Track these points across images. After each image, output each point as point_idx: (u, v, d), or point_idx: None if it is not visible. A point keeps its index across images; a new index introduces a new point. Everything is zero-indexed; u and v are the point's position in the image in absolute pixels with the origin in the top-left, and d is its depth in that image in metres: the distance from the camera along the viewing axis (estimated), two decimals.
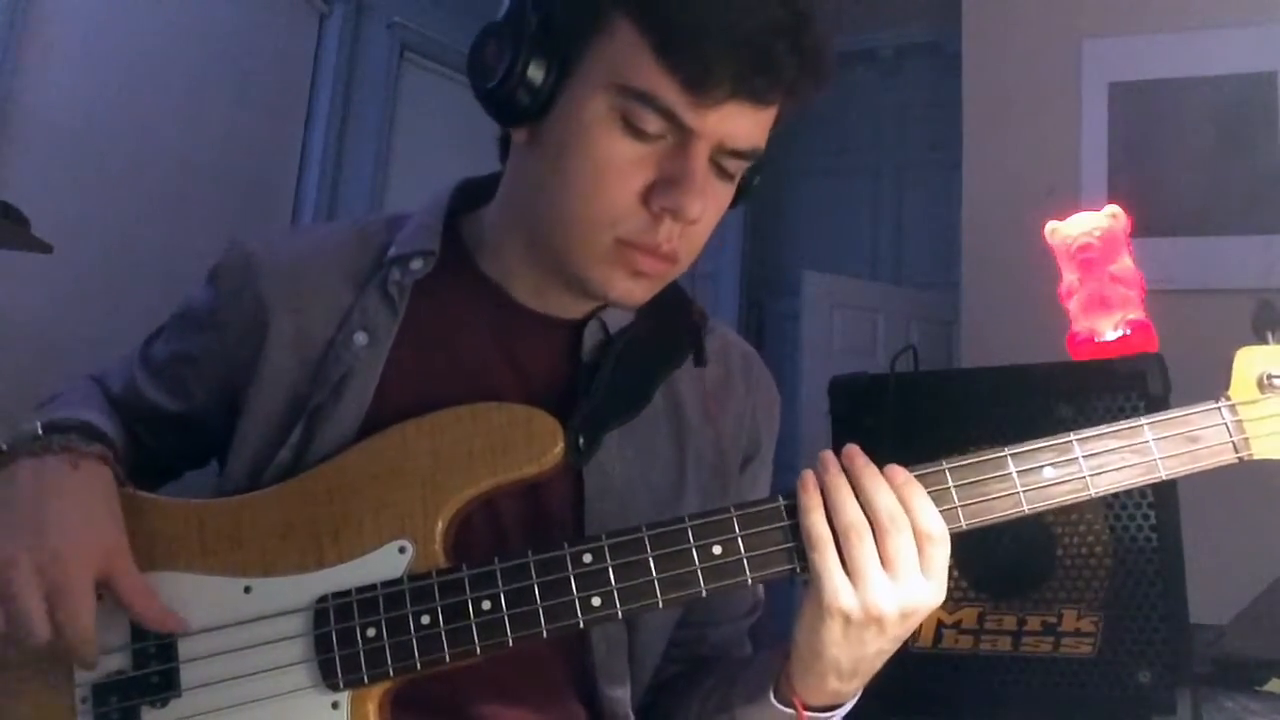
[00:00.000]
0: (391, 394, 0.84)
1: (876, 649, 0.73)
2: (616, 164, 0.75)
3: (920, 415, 1.35)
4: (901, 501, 0.71)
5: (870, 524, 0.71)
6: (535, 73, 0.76)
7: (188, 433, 0.92)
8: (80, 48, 2.39)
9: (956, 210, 2.99)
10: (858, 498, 0.72)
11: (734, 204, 0.85)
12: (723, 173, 0.79)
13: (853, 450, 0.74)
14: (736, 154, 0.78)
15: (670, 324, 0.87)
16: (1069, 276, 1.48)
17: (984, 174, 2.90)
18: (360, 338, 0.85)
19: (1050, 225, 1.50)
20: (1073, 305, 1.47)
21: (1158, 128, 2.71)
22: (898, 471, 0.73)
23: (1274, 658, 1.30)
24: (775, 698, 0.78)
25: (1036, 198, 2.53)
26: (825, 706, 0.77)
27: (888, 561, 0.71)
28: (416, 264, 0.86)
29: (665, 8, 0.72)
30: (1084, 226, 1.47)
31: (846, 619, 0.70)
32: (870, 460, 0.74)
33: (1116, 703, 1.22)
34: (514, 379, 0.86)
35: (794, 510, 0.74)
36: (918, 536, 0.71)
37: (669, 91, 0.73)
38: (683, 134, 0.75)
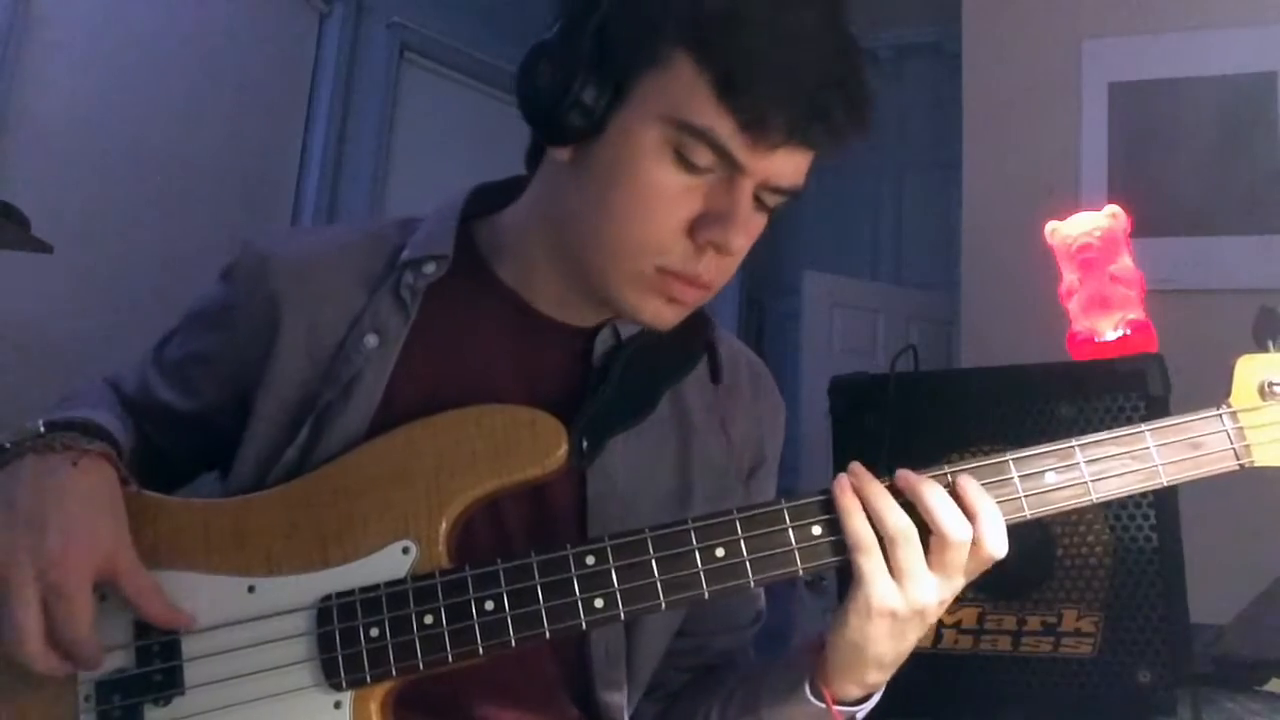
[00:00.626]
0: (400, 396, 0.84)
1: (915, 637, 0.75)
2: (666, 195, 0.76)
3: (920, 415, 1.35)
4: (971, 517, 0.73)
5: (929, 530, 0.73)
6: (589, 96, 0.76)
7: (199, 432, 0.92)
8: (80, 48, 2.39)
9: (956, 210, 2.99)
10: (916, 508, 0.73)
11: None
12: (761, 205, 0.80)
13: (903, 470, 0.75)
14: (779, 191, 0.79)
15: (680, 333, 0.87)
16: (1069, 276, 1.48)
17: (984, 174, 2.90)
18: (371, 339, 0.85)
19: (1050, 225, 1.50)
20: (1073, 305, 1.47)
21: (1158, 128, 2.71)
22: (970, 483, 0.74)
23: (1274, 658, 1.30)
24: (811, 694, 0.79)
25: (1036, 198, 2.53)
26: (858, 699, 0.79)
27: (943, 568, 0.73)
28: (429, 268, 0.86)
29: (726, 47, 0.73)
30: (1084, 226, 1.47)
31: (893, 616, 0.73)
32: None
33: (1116, 703, 1.22)
34: (523, 383, 0.87)
35: (798, 513, 0.75)
36: (978, 550, 0.73)
37: (726, 131, 0.74)
38: (732, 170, 0.76)
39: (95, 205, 2.41)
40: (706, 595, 0.74)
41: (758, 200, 0.79)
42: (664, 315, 0.82)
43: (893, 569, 0.72)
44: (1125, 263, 1.46)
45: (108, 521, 0.76)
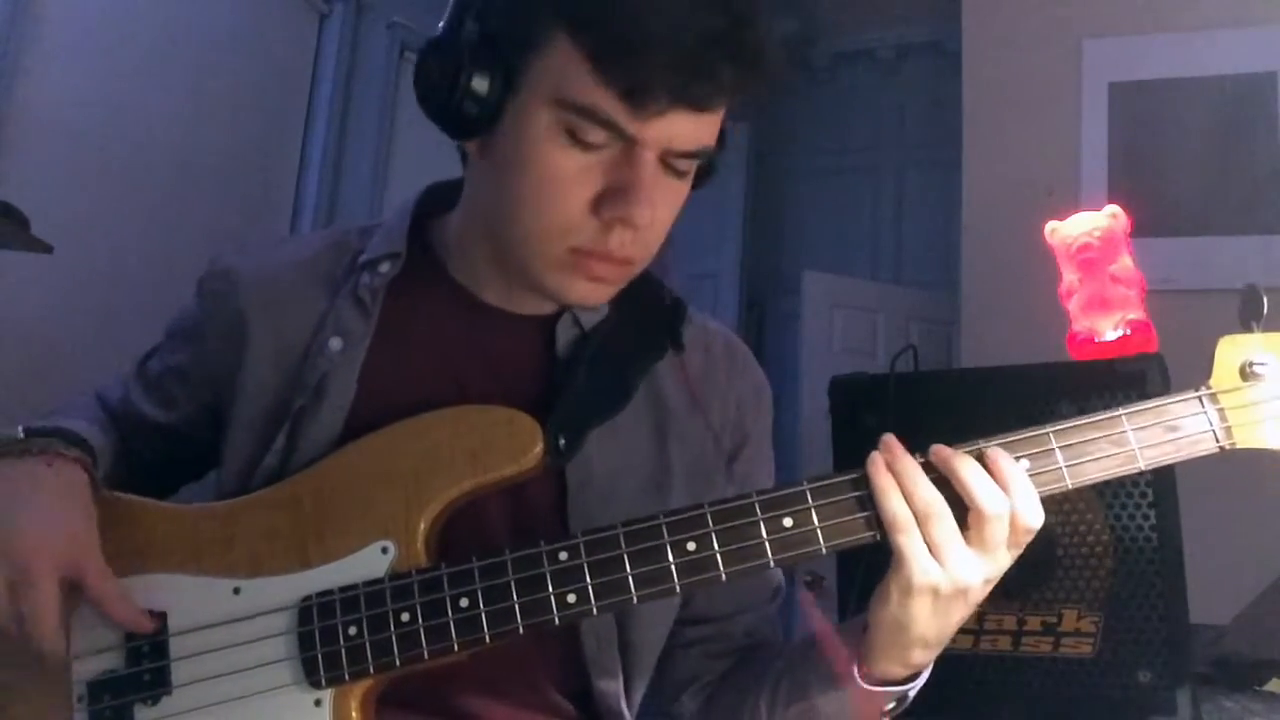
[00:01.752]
0: (370, 396, 0.85)
1: (960, 616, 0.74)
2: (564, 177, 0.76)
3: (920, 415, 1.35)
4: (1004, 490, 0.72)
5: (966, 507, 0.72)
6: (480, 87, 0.76)
7: (179, 444, 0.94)
8: (80, 48, 2.39)
9: (956, 210, 2.98)
10: (950, 484, 0.72)
11: (695, 185, 0.85)
12: (673, 171, 0.79)
13: (938, 445, 0.75)
14: (685, 155, 0.78)
15: (646, 316, 0.88)
16: (1069, 276, 1.48)
17: (984, 174, 2.90)
18: (335, 343, 0.86)
19: (1050, 225, 1.50)
20: (1073, 305, 1.47)
21: (1158, 128, 2.70)
22: (1001, 455, 0.73)
23: (1274, 658, 1.30)
24: (861, 680, 0.79)
25: (1036, 198, 2.53)
26: (905, 679, 0.79)
27: (983, 544, 0.71)
28: (384, 267, 0.88)
29: (600, 21, 0.72)
30: (1084, 226, 1.47)
31: (935, 594, 0.72)
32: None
33: (1116, 703, 1.22)
34: (489, 378, 0.87)
35: (768, 506, 0.74)
36: (1014, 523, 0.72)
37: (608, 104, 0.73)
38: (626, 142, 0.75)
39: (95, 205, 2.41)
40: (678, 589, 0.74)
41: (669, 167, 0.78)
42: (591, 295, 0.82)
43: (930, 545, 0.72)
44: (1125, 263, 1.46)
45: (78, 521, 0.78)
